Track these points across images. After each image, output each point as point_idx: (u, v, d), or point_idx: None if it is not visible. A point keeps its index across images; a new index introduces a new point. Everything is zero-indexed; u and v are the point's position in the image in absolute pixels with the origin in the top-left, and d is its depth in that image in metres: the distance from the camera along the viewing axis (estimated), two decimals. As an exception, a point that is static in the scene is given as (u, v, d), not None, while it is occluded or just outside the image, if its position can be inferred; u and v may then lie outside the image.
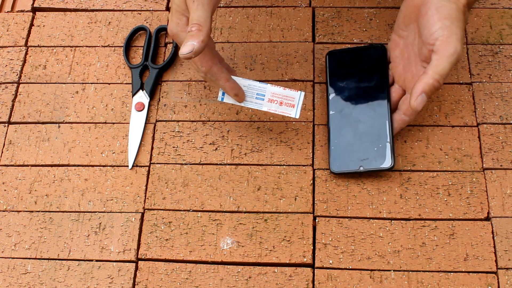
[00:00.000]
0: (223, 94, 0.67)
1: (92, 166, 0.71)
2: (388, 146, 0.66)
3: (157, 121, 0.73)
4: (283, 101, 0.66)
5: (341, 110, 0.70)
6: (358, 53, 0.72)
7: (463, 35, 0.60)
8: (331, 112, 0.70)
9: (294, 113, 0.66)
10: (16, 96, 0.76)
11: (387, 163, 0.65)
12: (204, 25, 0.59)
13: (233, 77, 0.66)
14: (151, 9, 0.81)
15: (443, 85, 0.72)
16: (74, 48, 0.79)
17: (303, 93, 0.66)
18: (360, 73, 0.70)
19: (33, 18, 0.81)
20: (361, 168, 0.66)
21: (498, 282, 0.61)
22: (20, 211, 0.68)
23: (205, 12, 0.59)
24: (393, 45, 0.69)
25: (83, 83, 0.76)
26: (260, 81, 0.67)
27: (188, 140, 0.71)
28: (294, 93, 0.66)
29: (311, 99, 0.72)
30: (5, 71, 0.77)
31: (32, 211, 0.68)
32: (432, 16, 0.60)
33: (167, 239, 0.66)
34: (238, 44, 0.77)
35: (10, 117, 0.74)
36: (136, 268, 0.65)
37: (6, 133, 0.73)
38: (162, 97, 0.74)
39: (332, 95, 0.71)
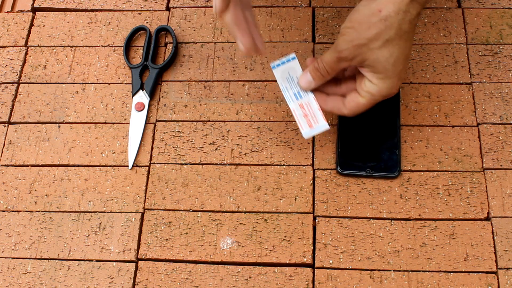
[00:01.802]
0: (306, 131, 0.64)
1: (92, 166, 0.71)
2: (397, 155, 0.67)
3: (157, 121, 0.73)
4: (309, 115, 0.64)
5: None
6: None
7: (347, 40, 0.58)
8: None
9: (305, 132, 0.64)
10: (16, 96, 0.76)
11: (394, 171, 0.67)
12: None
13: (293, 62, 0.64)
14: (151, 9, 0.81)
15: (443, 85, 0.72)
16: (74, 48, 0.79)
17: (328, 127, 0.63)
18: None
19: (33, 18, 0.81)
20: (368, 173, 0.66)
21: (498, 282, 0.61)
22: (20, 211, 0.68)
23: None
24: None
25: (83, 83, 0.76)
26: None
27: (188, 140, 0.71)
28: (321, 119, 0.63)
29: (311, 99, 0.72)
30: (5, 71, 0.77)
31: (32, 211, 0.68)
32: None
33: (167, 239, 0.66)
34: (238, 44, 0.77)
35: (10, 117, 0.74)
36: (136, 268, 0.65)
37: (6, 133, 0.73)
38: (162, 97, 0.74)
39: None
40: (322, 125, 0.64)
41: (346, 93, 0.63)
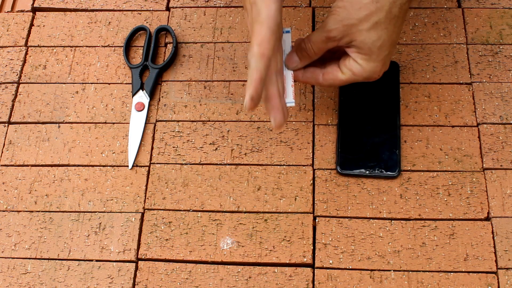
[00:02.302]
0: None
1: (92, 166, 0.71)
2: (397, 155, 0.67)
3: (157, 121, 0.73)
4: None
5: (351, 113, 0.70)
6: None
7: (341, 18, 0.57)
8: (341, 114, 0.70)
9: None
10: (16, 96, 0.76)
11: (394, 171, 0.66)
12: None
13: (286, 35, 0.62)
14: (151, 9, 0.81)
15: (443, 85, 0.72)
16: (74, 48, 0.79)
17: (294, 104, 0.62)
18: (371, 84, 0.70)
19: (33, 18, 0.81)
20: (368, 173, 0.66)
21: (498, 282, 0.61)
22: (20, 211, 0.69)
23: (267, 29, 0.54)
24: None
25: (83, 83, 0.76)
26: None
27: (188, 140, 0.71)
28: (291, 95, 0.63)
29: (311, 99, 0.72)
30: (5, 71, 0.77)
31: (32, 211, 0.68)
32: None
33: (167, 239, 0.66)
34: (238, 44, 0.77)
35: (10, 117, 0.74)
36: (136, 268, 0.65)
37: (6, 133, 0.73)
38: (162, 97, 0.74)
39: (343, 98, 0.71)
40: (289, 101, 0.63)
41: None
